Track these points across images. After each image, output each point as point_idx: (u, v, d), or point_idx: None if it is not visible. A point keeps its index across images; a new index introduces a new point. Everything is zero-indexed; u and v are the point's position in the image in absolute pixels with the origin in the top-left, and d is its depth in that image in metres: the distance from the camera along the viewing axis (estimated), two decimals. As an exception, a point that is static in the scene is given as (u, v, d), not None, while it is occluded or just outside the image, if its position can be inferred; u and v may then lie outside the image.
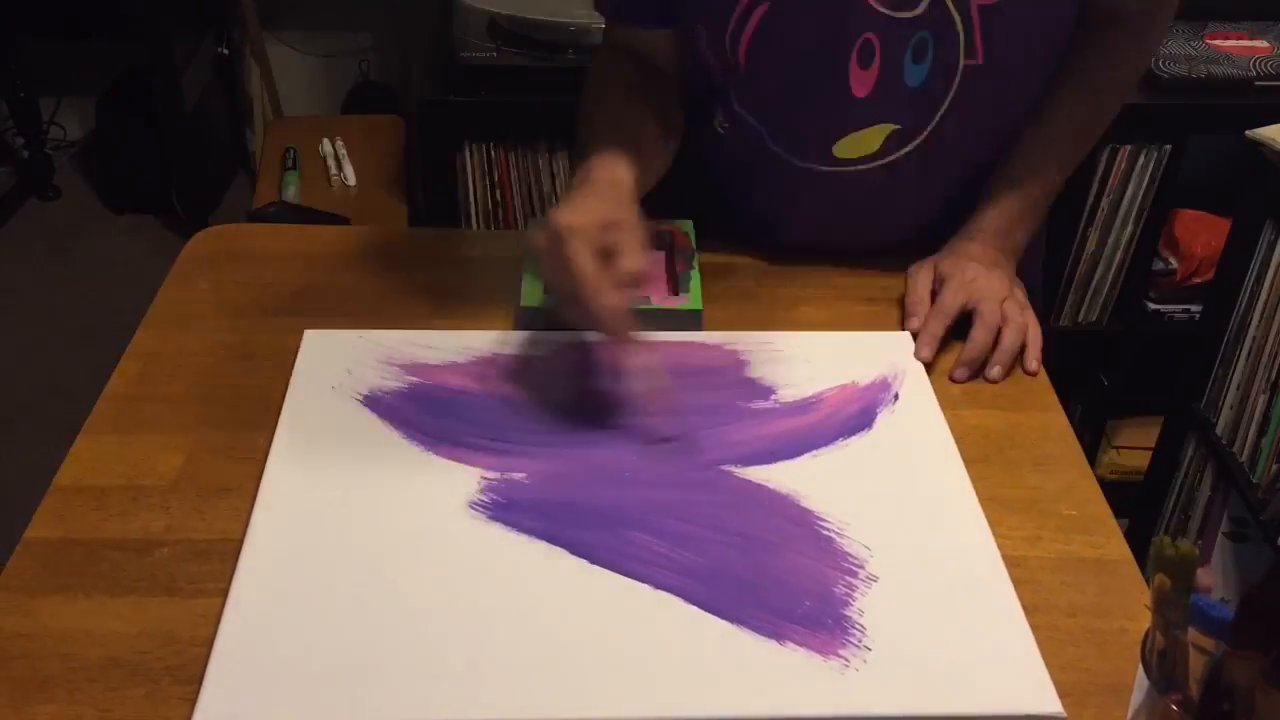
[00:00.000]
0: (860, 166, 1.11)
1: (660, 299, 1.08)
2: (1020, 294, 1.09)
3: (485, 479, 0.89)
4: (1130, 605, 0.82)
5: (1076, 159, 1.18)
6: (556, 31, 1.84)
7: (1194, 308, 1.92)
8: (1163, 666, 0.64)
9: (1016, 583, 0.84)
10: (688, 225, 1.16)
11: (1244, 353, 1.64)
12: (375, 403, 0.96)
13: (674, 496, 0.89)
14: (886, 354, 1.04)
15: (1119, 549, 0.87)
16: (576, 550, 0.84)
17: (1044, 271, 1.31)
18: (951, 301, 1.06)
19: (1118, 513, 0.90)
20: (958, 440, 0.96)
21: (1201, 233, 1.96)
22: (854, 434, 0.95)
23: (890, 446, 0.94)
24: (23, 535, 0.85)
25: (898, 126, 1.09)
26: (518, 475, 0.90)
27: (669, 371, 0.98)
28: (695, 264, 1.11)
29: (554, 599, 0.80)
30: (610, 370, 0.98)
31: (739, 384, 1.00)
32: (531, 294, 1.07)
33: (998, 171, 1.14)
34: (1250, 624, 0.60)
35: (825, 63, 1.05)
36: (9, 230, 2.91)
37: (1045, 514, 0.90)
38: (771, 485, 0.90)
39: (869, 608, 0.80)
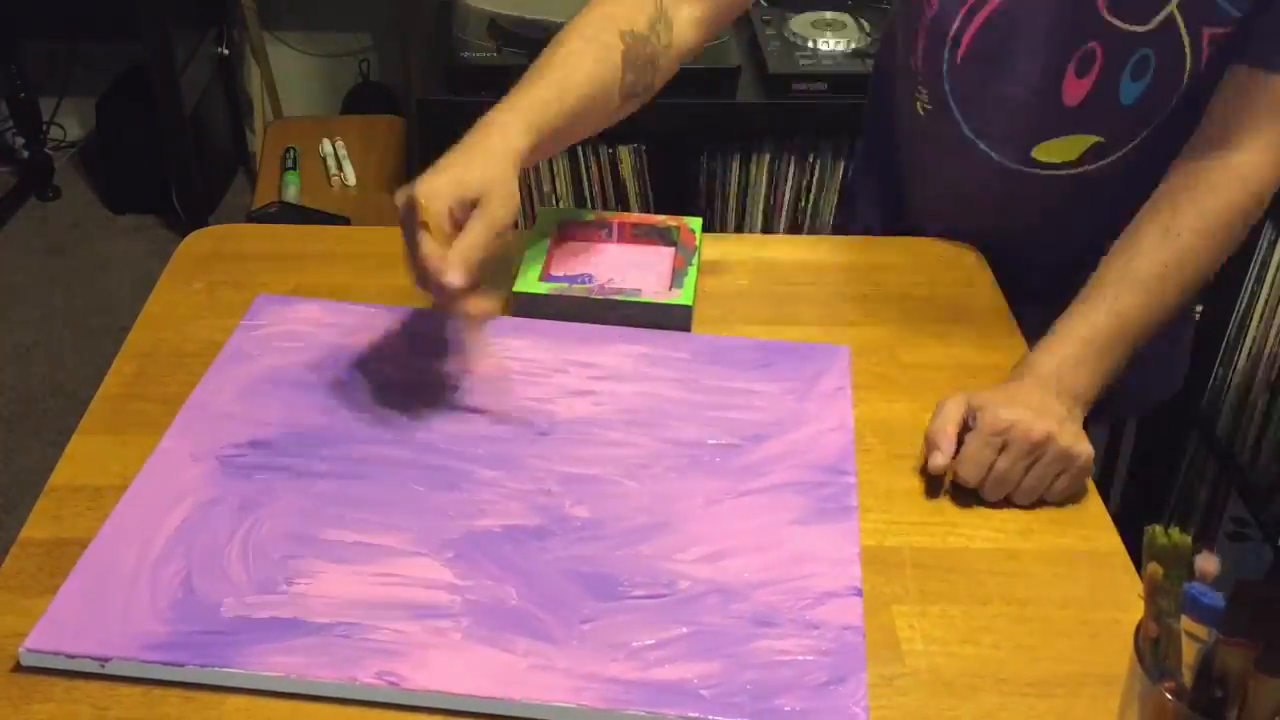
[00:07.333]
0: (1055, 172, 1.11)
1: (651, 292, 1.07)
2: (1068, 438, 0.89)
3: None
4: (1122, 596, 0.82)
5: (1169, 298, 1.00)
6: (557, 31, 1.83)
7: (1194, 308, 1.91)
8: (1155, 654, 0.64)
9: (1010, 575, 0.84)
10: (695, 222, 1.16)
11: (1244, 353, 1.64)
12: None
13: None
14: (816, 362, 1.02)
15: (1110, 541, 0.87)
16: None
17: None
18: (979, 455, 0.89)
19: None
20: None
21: (1201, 233, 1.95)
22: (760, 439, 0.94)
23: (794, 453, 0.93)
24: (19, 535, 0.85)
25: (1100, 140, 1.08)
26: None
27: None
28: (695, 261, 1.11)
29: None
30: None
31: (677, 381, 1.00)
32: (525, 280, 1.07)
33: (1069, 307, 1.00)
34: (1242, 612, 0.60)
35: (1043, 66, 1.05)
36: (9, 230, 2.91)
37: (1037, 506, 0.89)
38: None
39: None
